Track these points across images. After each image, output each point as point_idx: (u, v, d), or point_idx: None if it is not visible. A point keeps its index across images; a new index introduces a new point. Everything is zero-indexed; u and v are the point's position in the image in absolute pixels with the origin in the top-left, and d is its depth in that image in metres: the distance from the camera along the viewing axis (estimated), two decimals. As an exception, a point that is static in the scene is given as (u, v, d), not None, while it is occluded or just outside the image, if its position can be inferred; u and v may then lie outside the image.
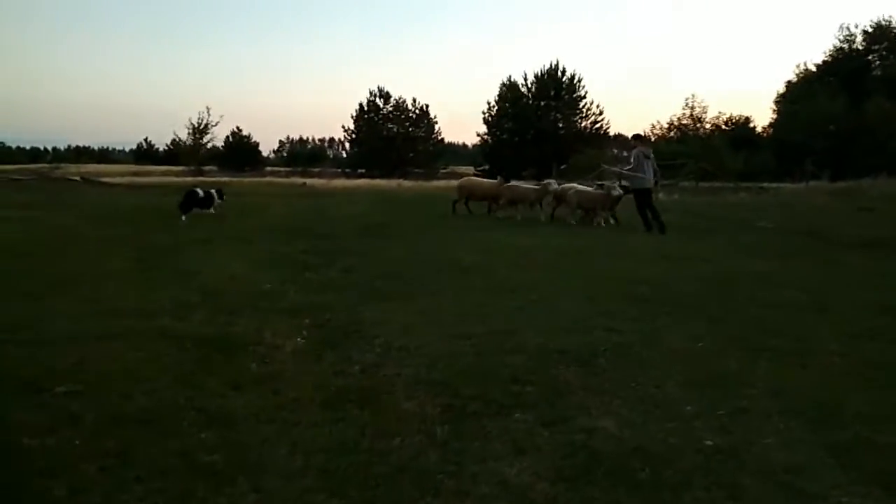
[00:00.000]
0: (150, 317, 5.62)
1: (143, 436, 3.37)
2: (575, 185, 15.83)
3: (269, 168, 66.29)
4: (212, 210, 14.24)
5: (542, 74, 50.62)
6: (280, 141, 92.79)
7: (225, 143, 66.10)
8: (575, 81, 50.58)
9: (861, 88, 48.78)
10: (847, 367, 4.57)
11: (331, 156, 77.78)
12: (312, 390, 4.08)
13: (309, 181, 32.19)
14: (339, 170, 54.17)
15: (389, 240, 10.93)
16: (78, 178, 29.38)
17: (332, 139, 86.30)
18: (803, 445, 3.32)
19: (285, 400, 3.91)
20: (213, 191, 14.80)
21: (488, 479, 3.03)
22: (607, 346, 4.94)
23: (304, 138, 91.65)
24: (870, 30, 54.05)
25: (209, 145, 59.83)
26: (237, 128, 68.46)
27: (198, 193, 14.34)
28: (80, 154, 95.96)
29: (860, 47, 54.80)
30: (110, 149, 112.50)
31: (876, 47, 54.13)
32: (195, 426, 3.50)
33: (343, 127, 57.36)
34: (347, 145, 59.19)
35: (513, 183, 15.85)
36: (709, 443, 3.34)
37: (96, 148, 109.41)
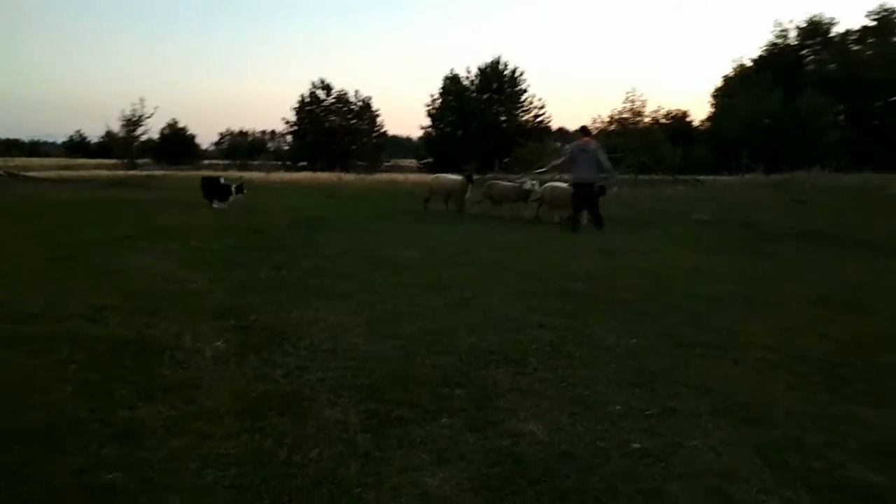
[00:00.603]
0: (59, 320, 5.27)
1: (38, 453, 3.11)
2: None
3: (206, 161, 64.59)
4: (224, 205, 14.51)
5: (485, 68, 50.72)
6: (220, 134, 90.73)
7: (160, 135, 64.23)
8: (517, 75, 50.86)
9: (795, 83, 50.34)
10: (777, 362, 4.57)
11: (272, 149, 76.28)
12: (230, 398, 3.86)
13: (247, 175, 31.45)
14: (280, 163, 53.23)
15: (325, 235, 10.67)
16: (2, 173, 28.03)
17: (273, 132, 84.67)
18: (732, 447, 3.26)
19: (200, 409, 3.67)
20: (233, 186, 15.18)
21: (409, 491, 2.89)
22: (539, 344, 4.84)
23: (245, 131, 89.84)
24: (803, 25, 55.81)
25: (143, 138, 58.03)
26: (173, 120, 66.61)
27: (219, 181, 15.11)
28: (11, 147, 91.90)
29: (794, 43, 56.56)
30: (41, 142, 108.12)
31: (809, 43, 55.94)
32: (97, 441, 3.25)
33: (284, 119, 56.41)
34: (289, 138, 58.16)
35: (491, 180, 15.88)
36: (636, 446, 3.26)
37: (27, 141, 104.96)
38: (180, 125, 67.12)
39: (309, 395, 3.92)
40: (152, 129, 59.65)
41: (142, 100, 55.34)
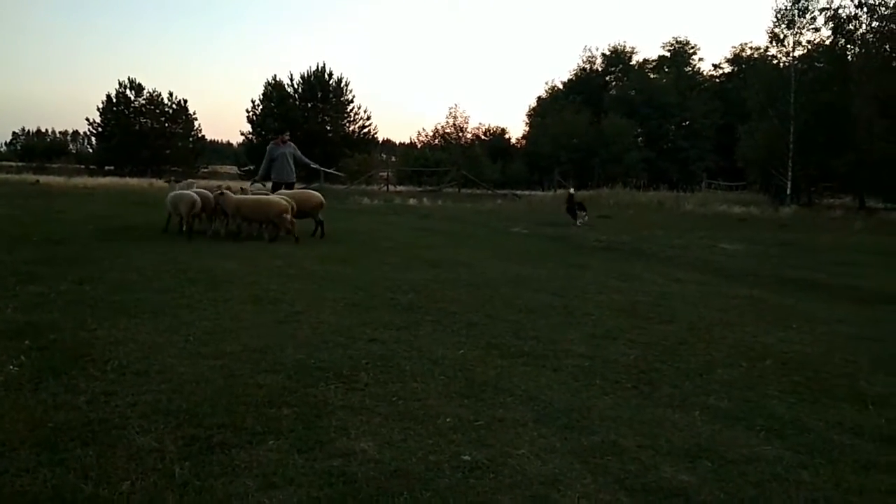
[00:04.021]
0: None
1: None
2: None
3: (-6, 162, 58.17)
4: None
5: (309, 76, 49.96)
6: (14, 132, 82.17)
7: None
8: (342, 85, 50.58)
9: (600, 106, 54.46)
10: (592, 369, 4.83)
11: (74, 150, 70.16)
12: (25, 429, 3.44)
13: (43, 178, 28.64)
14: (83, 166, 48.97)
15: (135, 246, 9.90)
16: None
17: (75, 132, 78.01)
18: (555, 454, 3.37)
19: (-12, 443, 3.23)
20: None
21: (234, 522, 2.70)
22: (370, 359, 4.77)
23: (43, 130, 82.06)
24: (607, 53, 60.59)
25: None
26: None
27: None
28: None
29: (599, 68, 61.25)
30: None
31: (612, 69, 60.82)
32: None
33: (88, 119, 51.87)
34: (94, 140, 53.65)
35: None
36: (466, 458, 3.28)
37: None
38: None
39: (118, 423, 3.58)
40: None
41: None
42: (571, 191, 18.85)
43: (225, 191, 11.29)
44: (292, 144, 14.00)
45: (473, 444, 3.45)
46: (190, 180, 15.40)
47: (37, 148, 71.25)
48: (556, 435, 3.62)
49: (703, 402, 4.24)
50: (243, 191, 12.77)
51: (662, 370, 4.88)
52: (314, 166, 16.25)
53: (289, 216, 11.02)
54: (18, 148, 76.11)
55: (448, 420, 3.75)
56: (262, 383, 4.20)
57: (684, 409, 4.09)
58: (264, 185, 14.29)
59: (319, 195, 12.56)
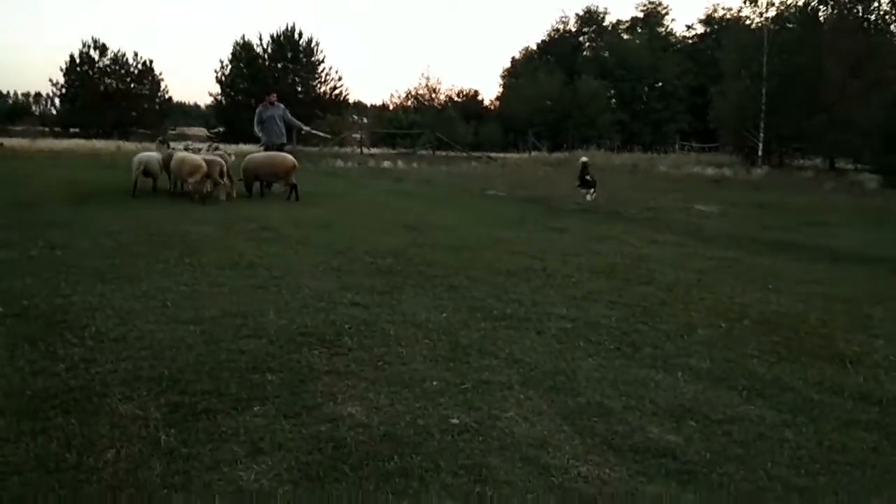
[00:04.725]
0: None
1: None
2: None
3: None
4: None
5: (278, 36, 48.91)
6: (-29, 95, 79.57)
7: None
8: (313, 45, 49.63)
9: (573, 67, 54.21)
10: (576, 331, 4.84)
11: (37, 113, 68.14)
12: (3, 398, 3.38)
13: (7, 141, 27.84)
14: (47, 129, 47.61)
15: (104, 209, 9.69)
16: None
17: (38, 94, 75.70)
18: (543, 417, 3.38)
19: (-36, 415, 3.16)
20: None
21: (222, 488, 2.67)
22: (353, 323, 4.73)
23: (4, 92, 79.56)
24: (581, 13, 60.16)
25: None
26: None
27: None
28: None
29: (573, 29, 60.86)
30: None
31: (585, 30, 60.45)
32: None
33: (51, 80, 50.24)
34: (58, 101, 52.17)
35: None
36: (455, 421, 3.28)
37: None
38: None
39: (99, 390, 3.52)
40: None
41: None
42: (584, 159, 15.31)
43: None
44: (281, 105, 13.92)
45: (461, 408, 3.44)
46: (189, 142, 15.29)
47: (-1, 110, 69.20)
48: (542, 397, 3.62)
49: (685, 362, 4.27)
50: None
51: (644, 331, 4.91)
52: (305, 129, 16.44)
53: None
54: (-24, 111, 73.86)
55: (434, 384, 3.74)
56: (245, 349, 4.15)
57: (667, 370, 4.12)
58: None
59: (292, 158, 12.38)
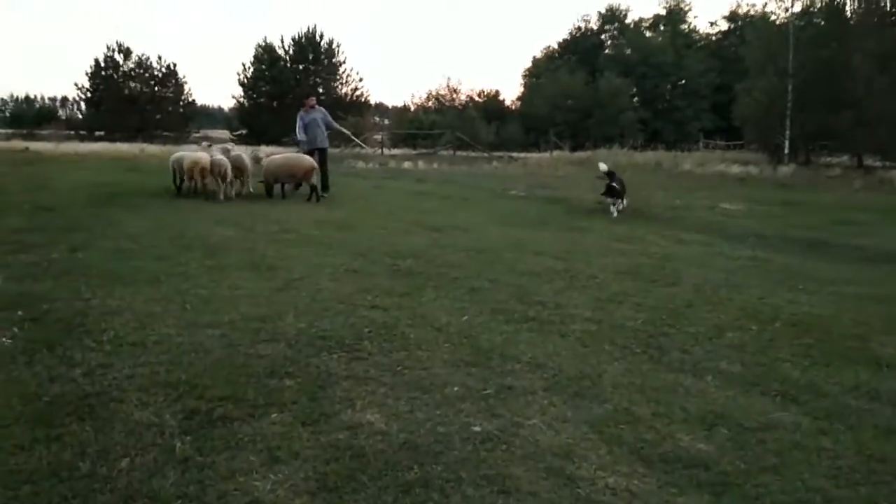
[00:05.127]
0: None
1: None
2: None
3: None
4: None
5: (300, 37, 49.16)
6: (2, 99, 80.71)
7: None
8: (334, 47, 49.82)
9: (595, 66, 53.84)
10: (601, 333, 4.72)
11: (63, 117, 68.99)
12: (19, 403, 3.34)
13: (33, 145, 28.18)
14: (73, 132, 48.26)
15: (128, 213, 9.72)
16: None
17: (65, 98, 76.55)
18: (568, 424, 3.27)
19: (-20, 420, 3.13)
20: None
21: (237, 499, 2.61)
22: (373, 326, 4.65)
23: (32, 97, 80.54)
24: (603, 11, 59.73)
25: None
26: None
27: None
28: None
29: (595, 27, 60.47)
30: None
31: (607, 28, 60.01)
32: None
33: (76, 84, 50.92)
34: (83, 105, 52.86)
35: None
36: (476, 429, 3.18)
37: None
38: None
39: (115, 396, 3.48)
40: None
41: None
42: (604, 167, 12.76)
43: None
44: (322, 109, 13.99)
45: (483, 415, 3.34)
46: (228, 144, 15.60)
47: (26, 115, 70.10)
48: (567, 403, 3.51)
49: (714, 366, 4.14)
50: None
51: (671, 334, 4.77)
52: (346, 133, 16.82)
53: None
54: (7, 115, 74.83)
55: (456, 389, 3.64)
56: (263, 353, 4.09)
57: (696, 375, 3.99)
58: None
59: (310, 159, 12.40)
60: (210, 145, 14.48)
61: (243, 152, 13.59)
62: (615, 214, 11.43)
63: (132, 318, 4.70)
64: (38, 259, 6.50)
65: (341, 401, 3.46)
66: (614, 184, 11.68)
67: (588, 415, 3.39)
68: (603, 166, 12.89)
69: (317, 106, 13.90)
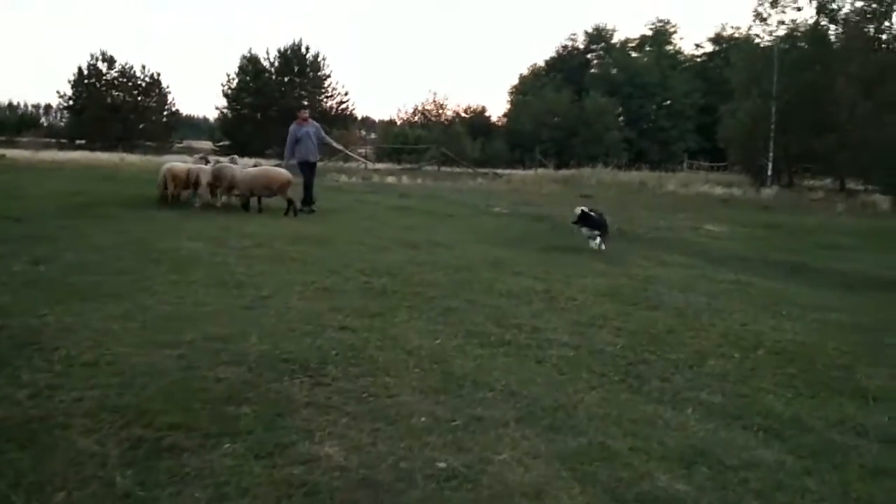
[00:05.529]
0: None
1: None
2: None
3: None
4: None
5: (285, 50, 49.04)
6: (-18, 105, 79.78)
7: None
8: (319, 60, 49.70)
9: (581, 84, 54.12)
10: (578, 360, 4.53)
11: (46, 124, 68.33)
12: (-42, 429, 3.10)
13: (11, 153, 27.73)
14: (53, 140, 47.74)
15: (97, 224, 9.44)
16: None
17: (48, 106, 75.85)
18: (540, 459, 3.07)
19: None
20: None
21: (177, 542, 2.38)
22: (340, 349, 4.44)
23: (15, 103, 79.72)
24: (589, 31, 60.16)
25: None
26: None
27: None
28: None
29: (581, 46, 60.86)
30: None
31: (594, 47, 60.42)
32: None
33: (58, 92, 50.42)
34: (66, 113, 52.36)
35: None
36: (442, 465, 2.97)
37: None
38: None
39: (60, 422, 3.25)
40: None
41: None
42: (580, 210, 9.82)
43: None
44: (315, 123, 13.84)
45: (449, 449, 3.14)
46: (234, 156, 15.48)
47: (8, 122, 69.35)
48: (540, 436, 3.31)
49: (695, 397, 3.97)
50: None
51: (651, 361, 4.60)
52: (337, 146, 16.83)
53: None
54: (-12, 122, 74.05)
55: (422, 419, 3.44)
56: (222, 377, 3.86)
57: (676, 406, 3.81)
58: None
59: (287, 172, 12.25)
60: (203, 158, 14.30)
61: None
62: (595, 246, 9.55)
63: (88, 336, 4.46)
64: (-2, 271, 6.24)
65: (299, 431, 3.24)
66: (594, 212, 9.85)
67: (562, 449, 3.19)
68: (579, 209, 9.98)
69: (310, 120, 13.77)
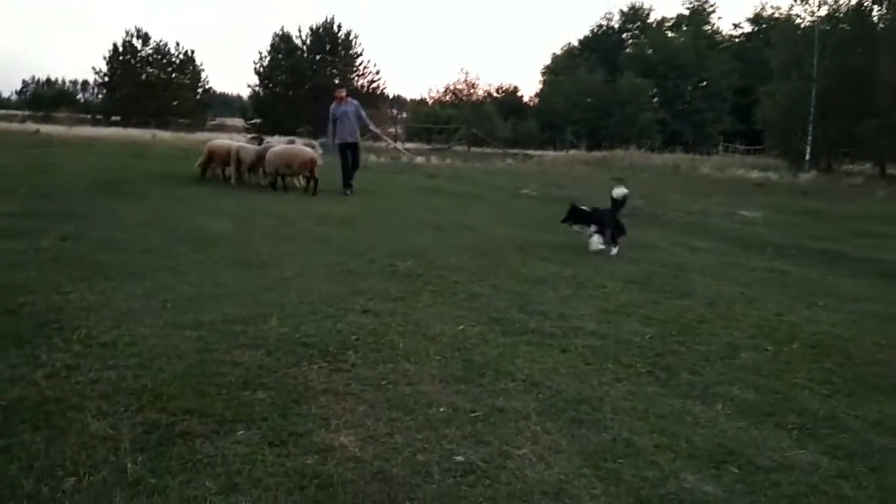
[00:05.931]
0: None
1: None
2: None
3: (2, 111, 57.32)
4: None
5: (317, 28, 48.87)
6: (24, 81, 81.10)
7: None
8: (351, 38, 49.48)
9: (615, 65, 53.23)
10: (604, 349, 4.40)
11: (82, 100, 69.24)
12: (-26, 407, 3.08)
13: (47, 128, 28.12)
14: (88, 116, 48.38)
15: (126, 202, 9.49)
16: None
17: (85, 82, 76.73)
18: (561, 455, 2.96)
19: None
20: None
21: (185, 533, 2.32)
22: (360, 333, 4.36)
23: (53, 79, 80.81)
24: (625, 10, 59.07)
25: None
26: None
27: None
28: None
29: (616, 26, 59.82)
30: None
31: (629, 27, 59.34)
32: None
33: (94, 68, 51.00)
34: (103, 90, 52.98)
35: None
36: (459, 458, 2.88)
37: None
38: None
39: (75, 404, 3.21)
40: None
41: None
42: (617, 192, 8.30)
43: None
44: (354, 102, 13.15)
45: (468, 441, 3.04)
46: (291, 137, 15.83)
47: (45, 97, 70.37)
48: (562, 431, 3.20)
49: (726, 392, 3.81)
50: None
51: (680, 353, 4.45)
52: (376, 130, 15.70)
53: None
54: (27, 97, 75.23)
55: (441, 410, 3.34)
56: (239, 360, 3.81)
57: (706, 401, 3.66)
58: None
59: (311, 151, 12.11)
60: (257, 138, 14.81)
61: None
62: (596, 249, 7.90)
63: (108, 316, 4.44)
64: (25, 247, 6.28)
65: (315, 419, 3.17)
66: (584, 207, 8.22)
67: (585, 445, 3.08)
68: (617, 191, 8.45)
69: (349, 98, 13.10)
